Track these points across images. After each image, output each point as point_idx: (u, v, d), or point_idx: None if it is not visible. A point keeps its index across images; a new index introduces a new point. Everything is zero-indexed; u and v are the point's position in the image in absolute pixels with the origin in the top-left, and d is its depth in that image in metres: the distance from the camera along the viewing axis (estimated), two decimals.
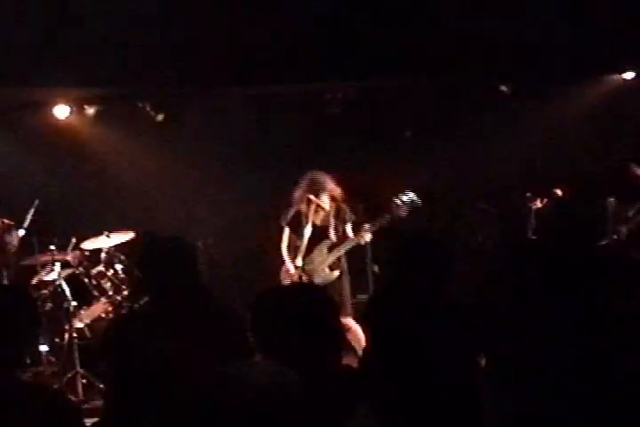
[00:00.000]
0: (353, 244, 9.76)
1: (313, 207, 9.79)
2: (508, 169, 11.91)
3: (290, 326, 3.82)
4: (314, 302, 3.97)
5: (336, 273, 9.77)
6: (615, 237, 9.42)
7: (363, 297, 10.27)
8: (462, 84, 11.74)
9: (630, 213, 9.64)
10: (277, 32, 10.06)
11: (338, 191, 9.86)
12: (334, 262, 9.80)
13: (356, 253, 10.13)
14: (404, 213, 9.59)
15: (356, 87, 11.83)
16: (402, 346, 4.71)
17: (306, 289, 4.50)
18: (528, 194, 10.68)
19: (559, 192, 10.63)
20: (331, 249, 9.81)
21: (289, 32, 10.10)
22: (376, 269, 10.40)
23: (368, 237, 9.67)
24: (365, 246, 10.16)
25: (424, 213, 11.25)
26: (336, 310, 4.11)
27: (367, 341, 5.42)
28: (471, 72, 10.97)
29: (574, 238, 5.56)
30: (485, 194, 11.81)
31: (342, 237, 9.81)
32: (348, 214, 9.85)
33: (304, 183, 9.88)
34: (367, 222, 9.71)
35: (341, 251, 9.78)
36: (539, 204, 10.61)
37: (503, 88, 11.72)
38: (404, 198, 9.62)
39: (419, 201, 9.64)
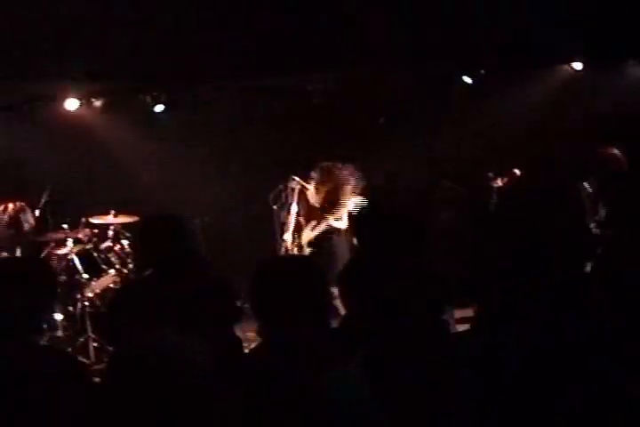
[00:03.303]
0: (326, 226, 9.76)
1: (297, 188, 9.90)
2: (472, 151, 11.98)
3: (284, 292, 3.90)
4: (305, 272, 4.05)
5: (308, 249, 9.85)
6: (597, 218, 9.24)
7: None
8: (430, 75, 11.79)
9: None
10: (263, 26, 10.10)
11: (349, 184, 9.84)
12: (311, 239, 9.86)
13: None
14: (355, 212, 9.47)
15: (337, 79, 11.88)
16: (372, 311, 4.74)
17: (298, 261, 4.56)
18: (490, 174, 10.73)
19: (517, 172, 10.70)
20: (313, 228, 9.91)
21: (274, 26, 10.14)
22: (355, 242, 10.45)
23: (337, 222, 9.70)
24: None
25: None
26: (324, 280, 4.19)
27: (345, 305, 5.45)
28: (438, 63, 11.03)
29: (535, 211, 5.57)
30: (452, 174, 11.83)
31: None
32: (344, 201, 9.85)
33: (319, 173, 9.88)
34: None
35: (318, 230, 9.82)
36: (499, 182, 10.66)
37: (466, 78, 11.76)
38: (355, 202, 9.60)
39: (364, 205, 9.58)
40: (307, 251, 9.86)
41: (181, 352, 2.87)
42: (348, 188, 9.67)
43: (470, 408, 3.48)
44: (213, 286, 5.50)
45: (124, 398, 2.82)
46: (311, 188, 9.85)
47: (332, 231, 9.77)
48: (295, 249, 9.90)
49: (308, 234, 9.87)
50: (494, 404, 3.47)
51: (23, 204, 10.06)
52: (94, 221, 10.36)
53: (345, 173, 9.70)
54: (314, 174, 9.86)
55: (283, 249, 9.91)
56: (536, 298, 3.91)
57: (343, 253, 9.61)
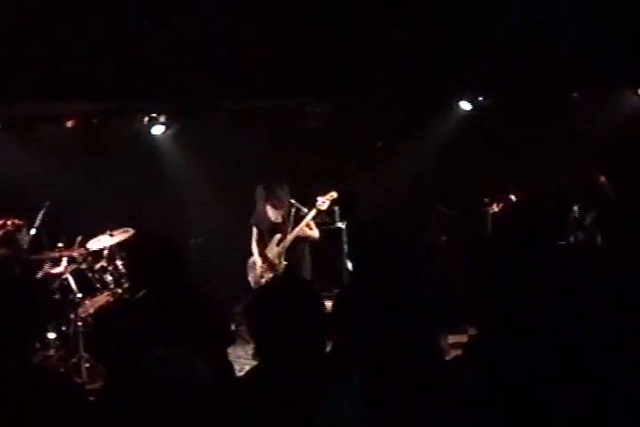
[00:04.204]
0: (295, 235, 9.94)
1: (294, 209, 9.93)
2: (467, 175, 12.00)
3: (282, 318, 3.89)
4: (304, 298, 4.05)
5: (284, 263, 9.96)
6: (572, 240, 9.36)
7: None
8: (429, 101, 11.84)
9: (587, 222, 9.54)
10: (262, 50, 10.15)
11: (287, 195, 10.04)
12: (283, 254, 9.99)
13: (332, 252, 10.20)
14: (324, 207, 9.96)
15: (333, 102, 11.92)
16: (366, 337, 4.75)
17: (297, 286, 4.56)
18: (485, 199, 10.75)
19: (513, 198, 10.72)
20: (279, 243, 9.97)
21: (271, 50, 10.19)
22: (350, 266, 10.47)
23: (312, 231, 10.01)
24: (341, 245, 10.26)
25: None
26: (322, 302, 4.20)
27: (338, 331, 5.45)
28: (436, 88, 11.09)
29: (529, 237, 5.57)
30: (446, 198, 11.84)
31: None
32: (304, 213, 10.01)
33: (265, 188, 10.11)
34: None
35: (288, 243, 9.97)
36: (495, 208, 10.69)
37: (464, 105, 11.79)
38: (326, 197, 9.95)
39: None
40: (281, 265, 9.93)
41: (184, 370, 2.87)
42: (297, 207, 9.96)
43: (469, 417, 3.49)
44: (207, 308, 5.50)
45: (124, 415, 2.81)
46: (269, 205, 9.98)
47: (300, 242, 9.96)
48: (268, 267, 9.98)
49: (276, 249, 9.94)
50: (494, 405, 3.48)
51: (22, 222, 10.06)
52: (90, 242, 10.34)
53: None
54: (260, 191, 10.12)
55: (254, 269, 10.02)
56: (535, 301, 3.93)
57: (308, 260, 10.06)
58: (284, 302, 3.93)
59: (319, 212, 10.00)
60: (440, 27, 10.04)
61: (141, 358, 2.95)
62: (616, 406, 3.43)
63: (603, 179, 9.63)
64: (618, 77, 10.87)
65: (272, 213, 10.04)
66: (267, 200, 10.02)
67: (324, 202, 9.92)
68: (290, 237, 9.93)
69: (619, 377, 3.49)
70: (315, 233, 10.07)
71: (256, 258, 10.17)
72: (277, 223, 10.03)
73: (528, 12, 9.94)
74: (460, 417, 3.47)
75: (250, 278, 10.17)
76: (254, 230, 10.26)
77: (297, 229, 9.91)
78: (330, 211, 10.63)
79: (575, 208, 9.58)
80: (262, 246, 10.15)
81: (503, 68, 10.27)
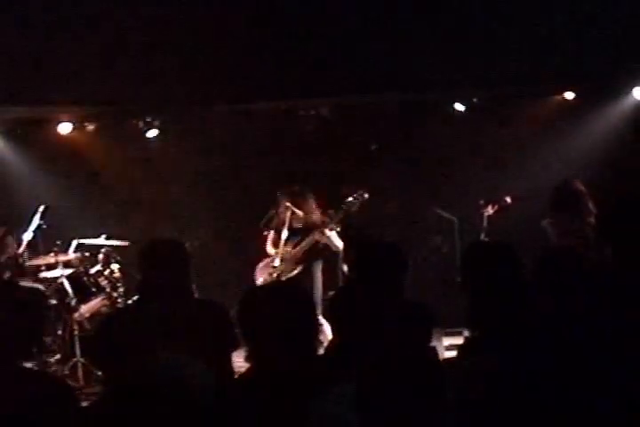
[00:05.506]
0: (312, 240, 9.63)
1: (289, 213, 9.80)
2: (462, 177, 11.98)
3: (272, 320, 3.86)
4: (294, 300, 4.02)
5: (299, 267, 9.70)
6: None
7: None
8: (423, 103, 11.83)
9: (576, 226, 9.39)
10: (256, 53, 10.14)
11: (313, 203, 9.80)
12: (299, 258, 9.72)
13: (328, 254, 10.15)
14: (355, 208, 9.54)
15: (329, 105, 11.91)
16: (361, 338, 4.73)
17: (288, 288, 4.53)
18: (481, 201, 10.71)
19: (509, 200, 10.68)
20: (295, 246, 9.82)
21: (267, 53, 10.19)
22: (345, 269, 10.43)
23: (329, 233, 9.55)
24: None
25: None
26: (312, 308, 4.16)
27: (333, 334, 5.42)
28: (431, 92, 11.08)
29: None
30: (442, 200, 11.81)
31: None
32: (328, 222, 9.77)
33: (286, 193, 9.86)
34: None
35: (304, 247, 9.67)
36: (490, 210, 10.65)
37: (459, 106, 11.77)
38: (355, 196, 9.57)
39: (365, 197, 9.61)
40: (296, 268, 9.74)
41: (185, 373, 2.85)
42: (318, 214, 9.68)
43: (469, 417, 3.47)
44: (213, 312, 5.47)
45: (123, 418, 2.79)
46: (300, 213, 9.77)
47: (318, 252, 9.76)
48: (280, 274, 9.81)
49: (293, 251, 9.75)
50: (494, 405, 3.46)
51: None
52: (85, 241, 10.35)
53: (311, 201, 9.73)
54: (285, 199, 9.81)
55: (275, 275, 9.82)
56: (535, 301, 3.92)
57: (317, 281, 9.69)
58: (271, 309, 3.90)
59: (348, 213, 9.58)
60: (437, 27, 10.05)
61: (142, 361, 2.93)
62: (616, 406, 3.42)
63: (580, 185, 9.53)
64: (616, 77, 10.87)
65: (293, 220, 9.77)
66: (287, 204, 9.65)
67: (354, 203, 9.54)
68: (308, 240, 9.60)
69: (618, 377, 3.48)
70: (338, 241, 9.63)
71: (272, 261, 9.84)
72: (298, 228, 9.86)
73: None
74: (460, 417, 3.45)
75: (260, 281, 9.91)
76: (271, 233, 9.91)
77: (314, 235, 9.53)
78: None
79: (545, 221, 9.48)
80: (278, 249, 9.78)
81: (496, 69, 10.27)
